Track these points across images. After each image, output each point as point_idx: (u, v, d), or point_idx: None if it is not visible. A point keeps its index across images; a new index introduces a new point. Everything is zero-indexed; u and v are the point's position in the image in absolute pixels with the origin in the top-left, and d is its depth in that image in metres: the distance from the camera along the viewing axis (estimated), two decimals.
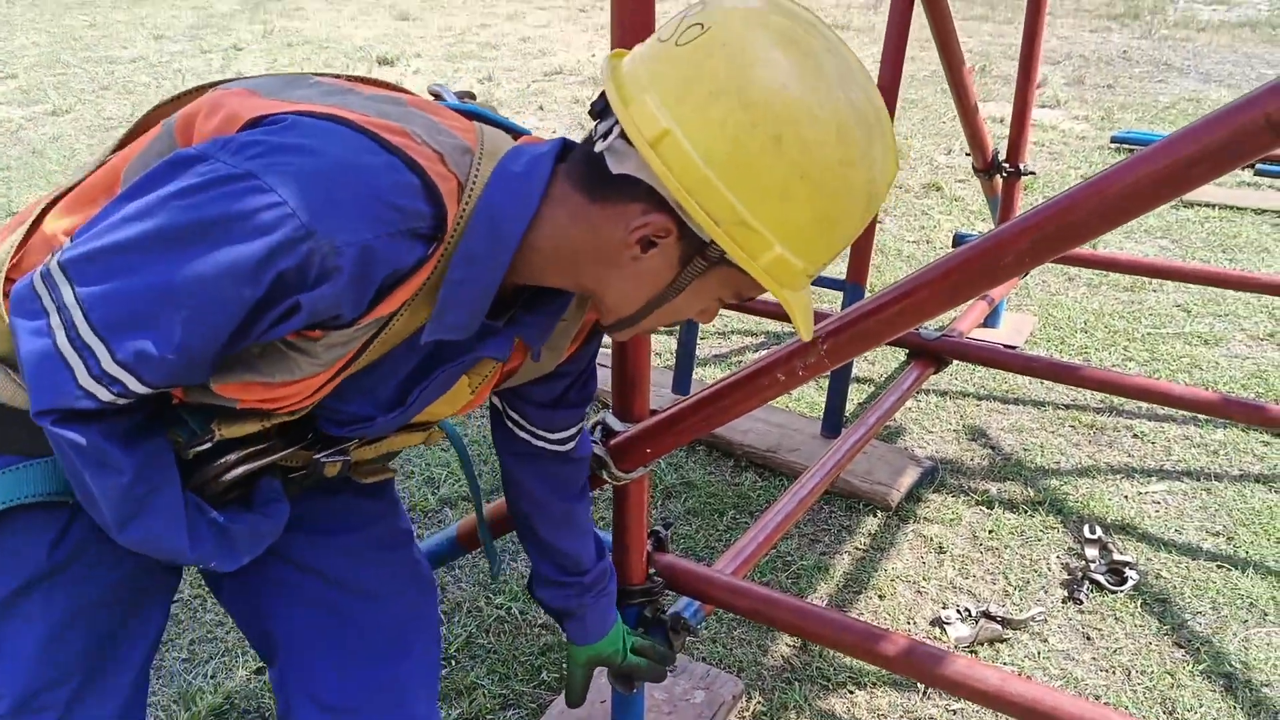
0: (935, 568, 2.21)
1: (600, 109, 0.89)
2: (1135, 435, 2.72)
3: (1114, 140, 5.37)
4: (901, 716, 1.82)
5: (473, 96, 1.05)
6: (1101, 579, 2.14)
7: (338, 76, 0.97)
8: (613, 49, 1.07)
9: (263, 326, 0.81)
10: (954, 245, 3.43)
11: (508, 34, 8.67)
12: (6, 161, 5.09)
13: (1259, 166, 4.96)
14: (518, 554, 2.22)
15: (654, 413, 1.42)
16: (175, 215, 0.76)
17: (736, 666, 1.92)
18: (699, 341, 3.22)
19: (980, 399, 2.92)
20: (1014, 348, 3.15)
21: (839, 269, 2.71)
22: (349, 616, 1.16)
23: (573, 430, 1.28)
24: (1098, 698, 1.86)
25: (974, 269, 1.06)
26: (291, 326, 0.81)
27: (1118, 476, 2.54)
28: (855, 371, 3.05)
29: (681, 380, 2.82)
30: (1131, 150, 5.34)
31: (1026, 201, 3.71)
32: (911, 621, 2.06)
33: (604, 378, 1.53)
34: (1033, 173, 3.07)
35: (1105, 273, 3.69)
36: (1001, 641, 1.99)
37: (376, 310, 0.85)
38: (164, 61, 7.43)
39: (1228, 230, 4.23)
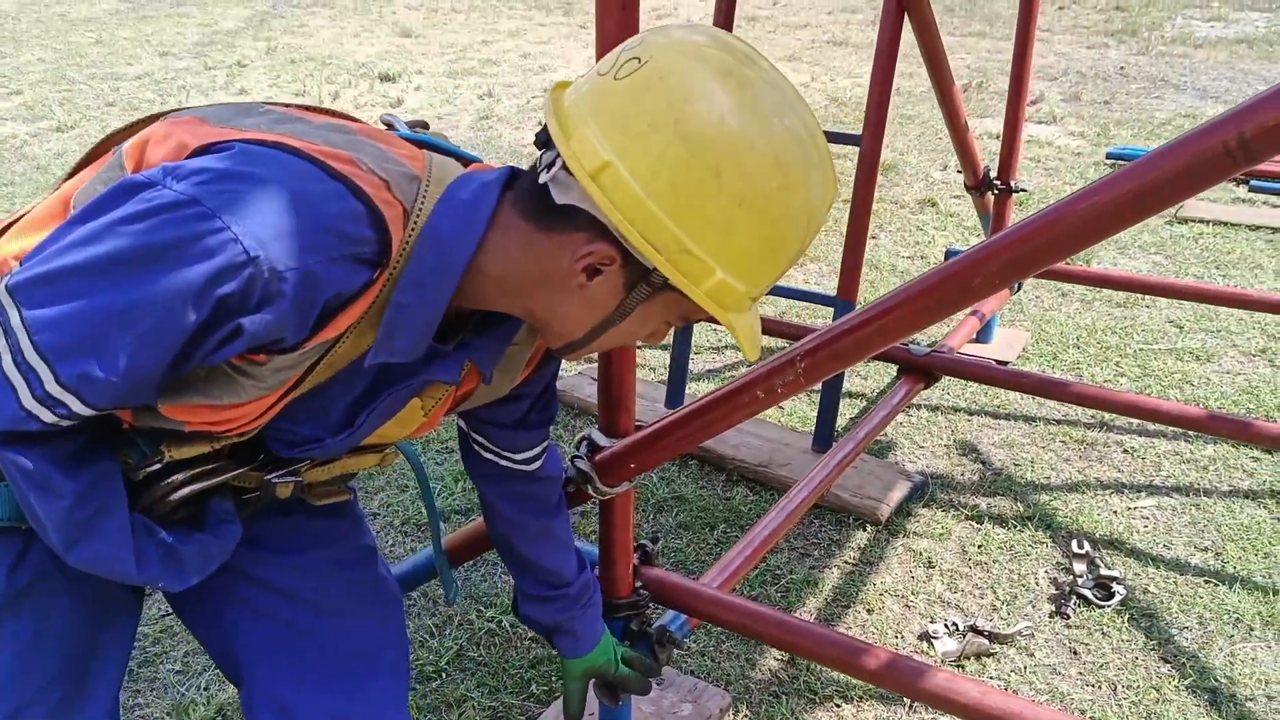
0: (924, 582, 2.22)
1: (544, 139, 0.92)
2: (1126, 451, 2.74)
3: (1109, 156, 5.40)
4: None
5: (426, 126, 1.08)
6: (1089, 594, 2.15)
7: (288, 105, 0.99)
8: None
9: (206, 349, 0.82)
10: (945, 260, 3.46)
11: (509, 50, 8.74)
12: (10, 177, 5.14)
13: (1253, 183, 4.99)
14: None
15: (639, 428, 1.44)
16: (121, 240, 0.78)
17: (724, 680, 1.94)
18: (693, 356, 3.25)
19: (972, 414, 2.94)
20: (1006, 363, 3.18)
21: (830, 284, 2.73)
22: (314, 634, 1.17)
23: (537, 450, 1.30)
24: (1083, 712, 1.87)
25: (946, 290, 1.08)
26: (235, 350, 0.83)
27: (1107, 492, 2.55)
28: (847, 387, 3.07)
29: (675, 395, 2.84)
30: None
31: (1019, 217, 3.73)
32: (899, 636, 2.07)
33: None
34: (1024, 189, 3.10)
35: (1098, 288, 3.71)
36: (988, 656, 2.01)
37: (321, 334, 0.87)
38: (169, 78, 7.49)
39: (1221, 246, 4.25)
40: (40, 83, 7.28)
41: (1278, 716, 1.85)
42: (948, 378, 2.98)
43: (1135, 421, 2.83)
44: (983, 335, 3.31)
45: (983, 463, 2.69)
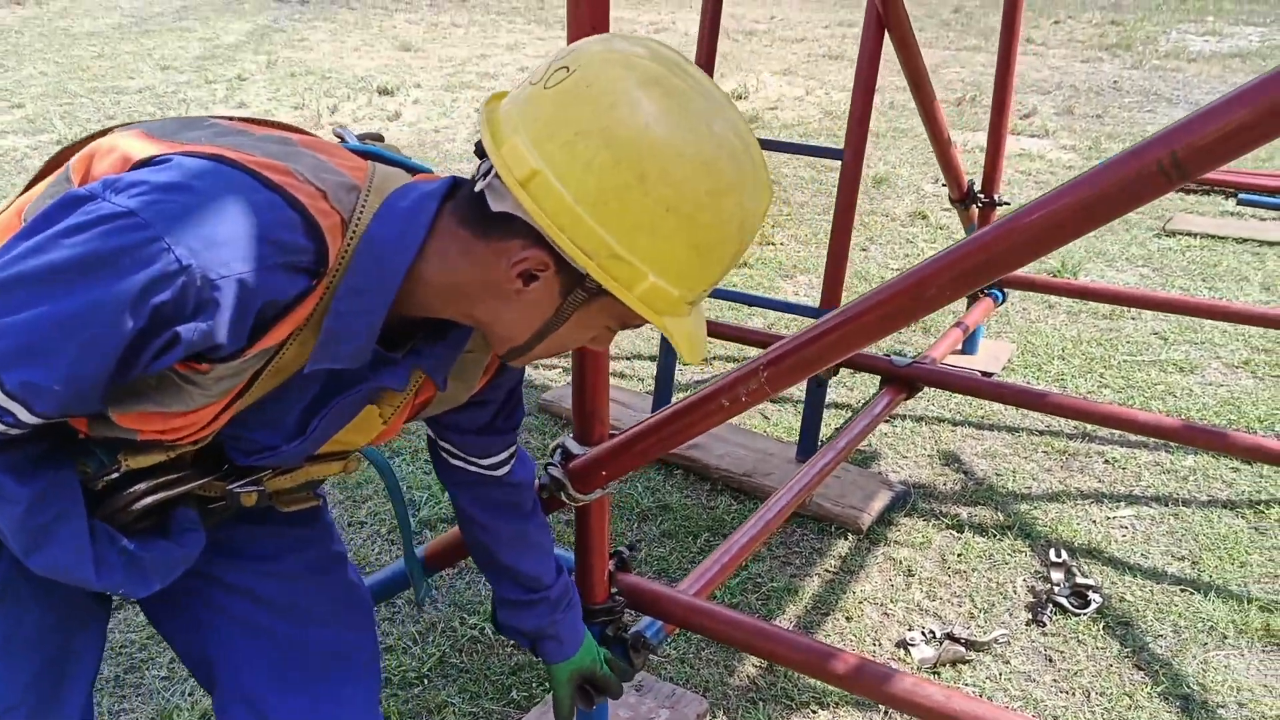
0: (903, 590, 2.25)
1: (482, 149, 0.93)
2: (1107, 461, 2.77)
3: None
4: None
5: (379, 138, 1.10)
6: (1065, 602, 2.18)
7: (231, 119, 1.01)
8: None
9: (146, 358, 0.84)
10: None
11: (507, 64, 8.81)
12: (9, 190, 5.19)
13: (1241, 196, 5.03)
14: None
15: (612, 436, 1.47)
16: (62, 252, 0.81)
17: (702, 686, 1.96)
18: (681, 367, 3.29)
19: (955, 425, 2.97)
20: (991, 374, 3.21)
21: (814, 295, 2.77)
22: (285, 638, 1.20)
23: (504, 454, 1.32)
24: (1056, 719, 1.89)
25: (902, 300, 1.11)
26: (173, 358, 0.85)
27: (1087, 501, 2.58)
28: (833, 398, 3.10)
29: (661, 405, 2.87)
30: None
31: None
32: (877, 643, 2.10)
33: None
34: (1007, 203, 3.14)
35: (1085, 300, 3.75)
36: (964, 663, 2.03)
37: (261, 342, 0.89)
38: (170, 92, 7.56)
39: (1208, 259, 4.29)
40: (42, 96, 7.35)
41: None
42: (933, 390, 3.03)
43: (1117, 432, 2.86)
44: (969, 347, 3.34)
45: (965, 473, 2.72)
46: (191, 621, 1.22)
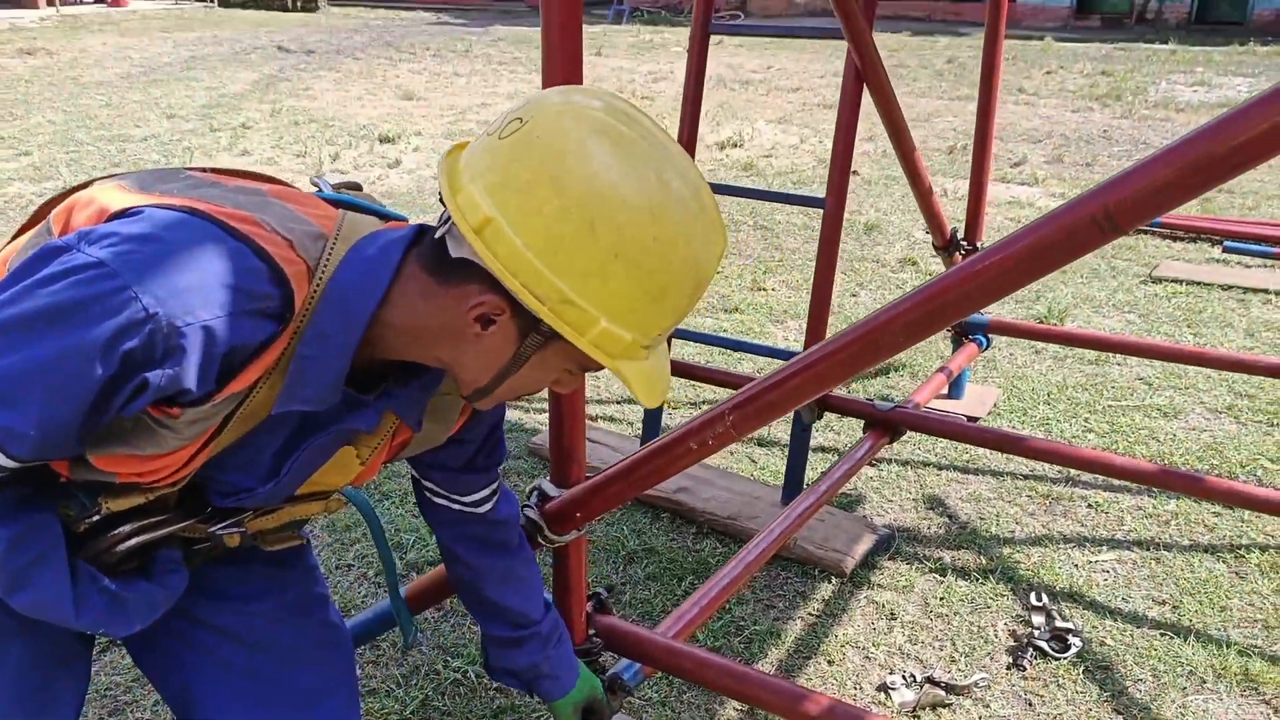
0: (885, 634, 2.26)
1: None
2: (1090, 505, 2.79)
3: None
4: None
5: (357, 187, 1.14)
6: (1045, 645, 2.19)
7: (205, 170, 1.06)
8: None
9: (118, 402, 0.88)
10: None
11: None
12: None
13: (1227, 244, 5.11)
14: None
15: (588, 478, 1.51)
16: (36, 301, 0.85)
17: None
18: (669, 410, 3.32)
19: (941, 469, 3.00)
20: (977, 419, 3.24)
21: (798, 340, 2.81)
22: (265, 678, 1.22)
23: (486, 491, 1.35)
24: None
25: (858, 347, 1.16)
26: (144, 402, 0.88)
27: (1069, 545, 2.60)
28: (820, 441, 3.14)
29: None
30: None
31: None
32: (858, 687, 2.11)
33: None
34: None
35: (1070, 346, 3.79)
36: (944, 706, 2.04)
37: (230, 386, 0.92)
38: (175, 140, 7.70)
39: (1194, 305, 4.34)
40: (49, 144, 7.48)
41: None
42: (919, 435, 3.06)
43: (1101, 477, 2.89)
44: (955, 391, 3.38)
45: (949, 516, 2.74)
46: (173, 661, 1.24)
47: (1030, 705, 2.05)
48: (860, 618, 2.32)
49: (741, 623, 2.29)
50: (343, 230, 1.00)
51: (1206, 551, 2.56)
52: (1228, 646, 2.19)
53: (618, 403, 3.48)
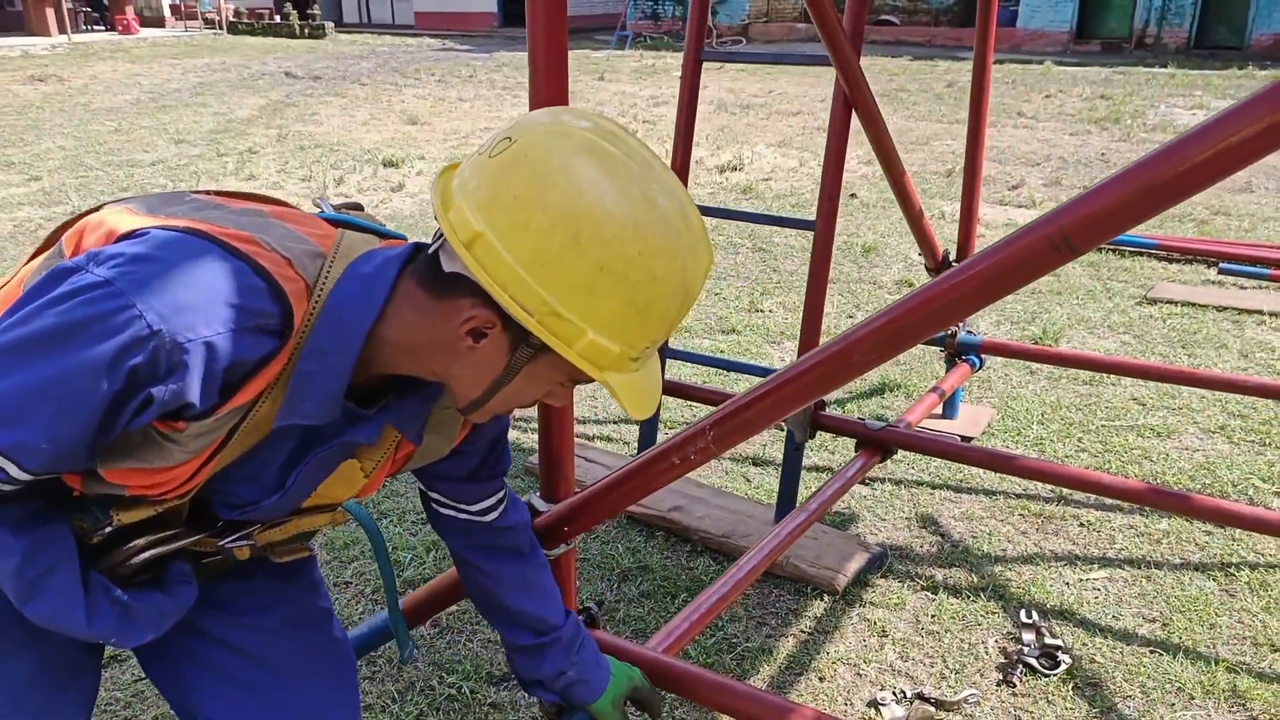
0: (876, 650, 2.28)
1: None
2: (1082, 524, 2.81)
3: None
4: None
5: (359, 207, 1.18)
6: (1034, 662, 2.21)
7: (209, 193, 1.10)
8: None
9: (125, 417, 0.92)
10: None
11: None
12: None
13: (1223, 265, 5.14)
14: (475, 633, 2.31)
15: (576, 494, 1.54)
16: (47, 320, 0.89)
17: None
18: (664, 430, 3.36)
19: (934, 488, 3.02)
20: (970, 439, 3.27)
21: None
22: (268, 692, 1.25)
23: (492, 500, 1.36)
24: None
25: (831, 365, 1.20)
26: (149, 416, 0.92)
27: (1061, 564, 2.62)
28: (815, 461, 3.16)
29: None
30: (1099, 250, 5.54)
31: None
32: (849, 703, 2.13)
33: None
34: None
35: (1064, 367, 3.82)
36: None
37: (233, 401, 0.96)
38: (182, 164, 7.80)
39: (1189, 326, 4.37)
40: (58, 169, 7.59)
41: None
42: (913, 454, 3.09)
43: (1093, 496, 2.91)
44: (949, 411, 3.41)
45: (941, 535, 2.76)
46: (179, 672, 1.27)
47: None
48: (852, 635, 2.34)
49: (734, 640, 2.32)
50: (341, 248, 1.03)
51: (1197, 570, 2.58)
52: (1216, 663, 2.21)
53: (614, 422, 3.51)
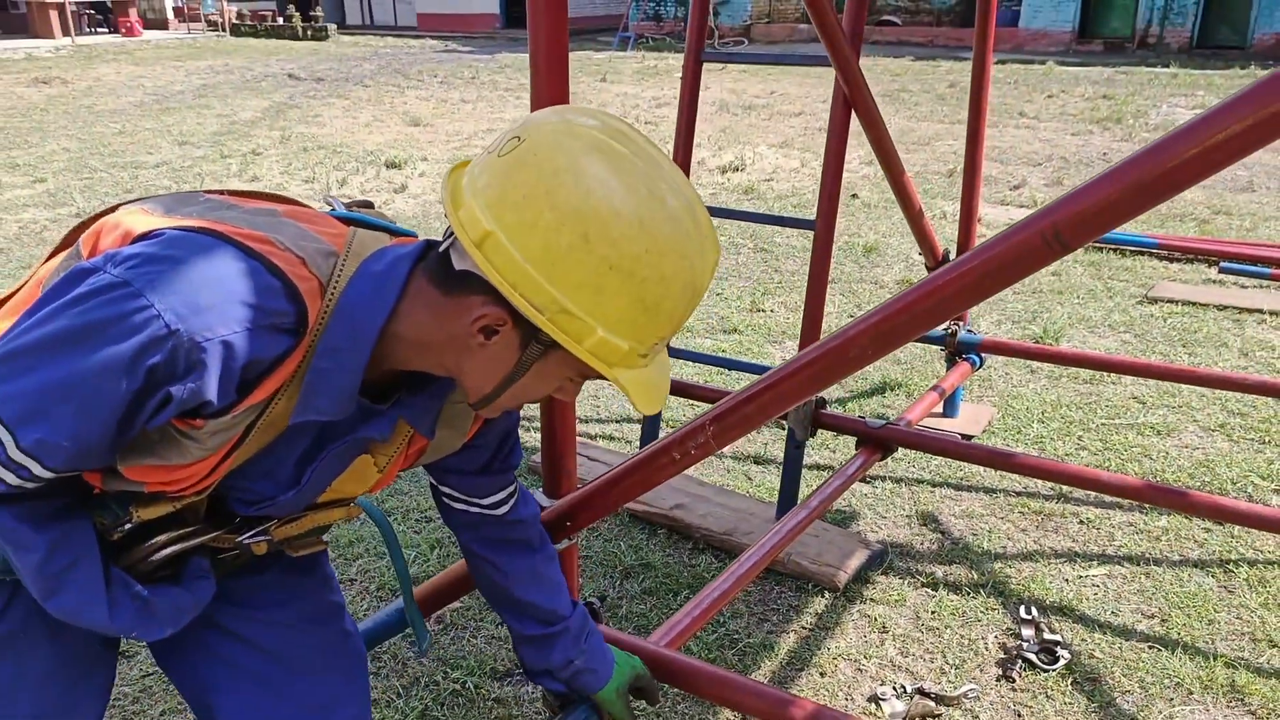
0: (877, 646, 2.30)
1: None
2: (1081, 521, 2.82)
3: None
4: None
5: (369, 205, 1.20)
6: (1033, 658, 2.22)
7: (223, 193, 1.12)
8: None
9: (145, 415, 0.93)
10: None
11: None
12: (30, 261, 5.38)
13: (1223, 265, 5.15)
14: (479, 629, 2.33)
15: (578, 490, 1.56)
16: (65, 320, 0.91)
17: None
18: (665, 429, 3.37)
19: (935, 486, 3.04)
20: (971, 437, 3.29)
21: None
22: (281, 686, 1.27)
23: (503, 494, 1.38)
24: None
25: (828, 361, 1.22)
26: (168, 414, 0.94)
27: (1060, 560, 2.64)
28: (816, 459, 3.18)
29: None
30: (1100, 249, 5.55)
31: None
32: (849, 698, 2.14)
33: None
34: None
35: (1065, 366, 3.83)
36: (934, 717, 2.07)
37: (249, 398, 0.97)
38: (186, 166, 7.83)
39: (1189, 325, 4.38)
40: (63, 171, 7.63)
41: None
42: (914, 452, 3.11)
43: (1093, 494, 2.92)
44: (950, 410, 3.43)
45: (942, 532, 2.78)
46: (194, 666, 1.29)
47: (1019, 716, 2.08)
48: (852, 631, 2.36)
49: (735, 636, 2.33)
50: (353, 247, 1.05)
51: (1196, 566, 2.59)
52: (1215, 659, 2.22)
53: (616, 421, 3.53)
